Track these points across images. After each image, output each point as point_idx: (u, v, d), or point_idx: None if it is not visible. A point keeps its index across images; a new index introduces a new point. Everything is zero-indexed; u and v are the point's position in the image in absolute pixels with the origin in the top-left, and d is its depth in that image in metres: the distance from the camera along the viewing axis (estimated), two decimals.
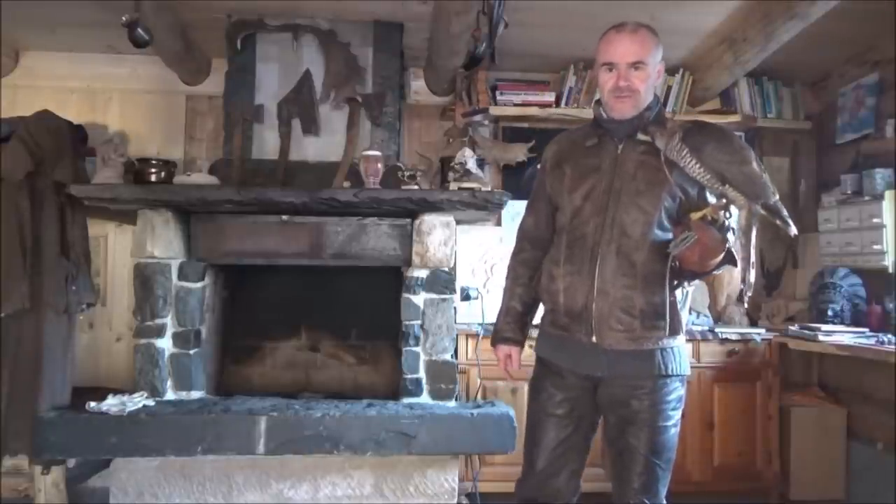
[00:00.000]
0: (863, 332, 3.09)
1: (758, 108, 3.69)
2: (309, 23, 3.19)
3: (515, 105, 3.57)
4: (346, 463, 2.76)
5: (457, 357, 3.01)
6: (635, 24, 1.80)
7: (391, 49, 3.26)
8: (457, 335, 3.02)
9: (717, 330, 3.34)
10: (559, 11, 3.00)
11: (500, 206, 2.83)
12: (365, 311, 3.29)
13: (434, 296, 2.87)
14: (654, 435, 1.75)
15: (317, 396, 3.01)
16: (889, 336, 2.95)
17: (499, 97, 3.57)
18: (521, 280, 1.98)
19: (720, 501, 3.21)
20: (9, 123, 2.96)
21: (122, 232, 3.52)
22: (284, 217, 2.87)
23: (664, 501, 1.81)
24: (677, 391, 1.79)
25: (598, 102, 1.89)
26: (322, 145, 3.18)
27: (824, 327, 3.15)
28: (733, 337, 3.32)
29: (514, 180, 3.61)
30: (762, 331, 3.40)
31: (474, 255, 3.57)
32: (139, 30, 2.69)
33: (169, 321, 2.84)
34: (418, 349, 2.86)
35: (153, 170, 2.94)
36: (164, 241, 2.79)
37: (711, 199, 1.72)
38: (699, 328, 3.35)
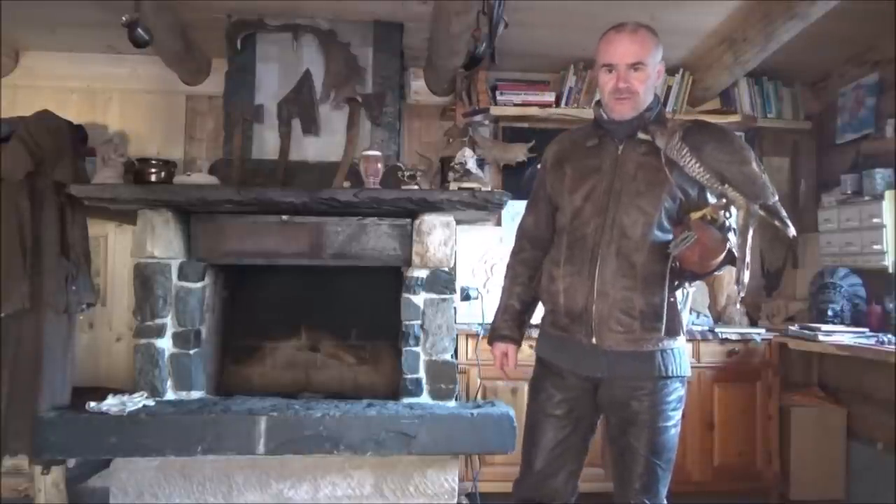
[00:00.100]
0: (863, 332, 3.09)
1: (758, 108, 3.69)
2: (309, 23, 3.19)
3: (515, 105, 3.56)
4: (346, 463, 2.76)
5: (457, 357, 3.01)
6: (635, 24, 1.80)
7: (391, 49, 3.26)
8: (457, 335, 3.02)
9: (717, 330, 3.34)
10: (559, 11, 3.00)
11: (500, 206, 2.83)
12: (365, 311, 3.29)
13: (434, 296, 2.87)
14: (654, 435, 1.75)
15: (317, 396, 3.01)
16: (889, 336, 2.95)
17: (499, 97, 3.57)
18: (520, 279, 1.98)
19: (720, 501, 3.21)
20: (9, 123, 2.96)
21: (122, 232, 3.52)
22: (284, 217, 2.87)
23: (664, 501, 1.81)
24: (677, 392, 1.79)
25: (599, 103, 1.89)
26: (322, 145, 3.18)
27: (824, 327, 3.15)
28: (733, 337, 3.32)
29: (514, 180, 3.61)
30: (762, 331, 3.40)
31: (474, 255, 3.57)
32: (139, 30, 2.69)
33: (169, 321, 2.84)
34: (418, 349, 2.86)
35: (153, 170, 2.94)
36: (164, 241, 2.79)
37: (711, 199, 1.72)
38: (699, 328, 3.35)
